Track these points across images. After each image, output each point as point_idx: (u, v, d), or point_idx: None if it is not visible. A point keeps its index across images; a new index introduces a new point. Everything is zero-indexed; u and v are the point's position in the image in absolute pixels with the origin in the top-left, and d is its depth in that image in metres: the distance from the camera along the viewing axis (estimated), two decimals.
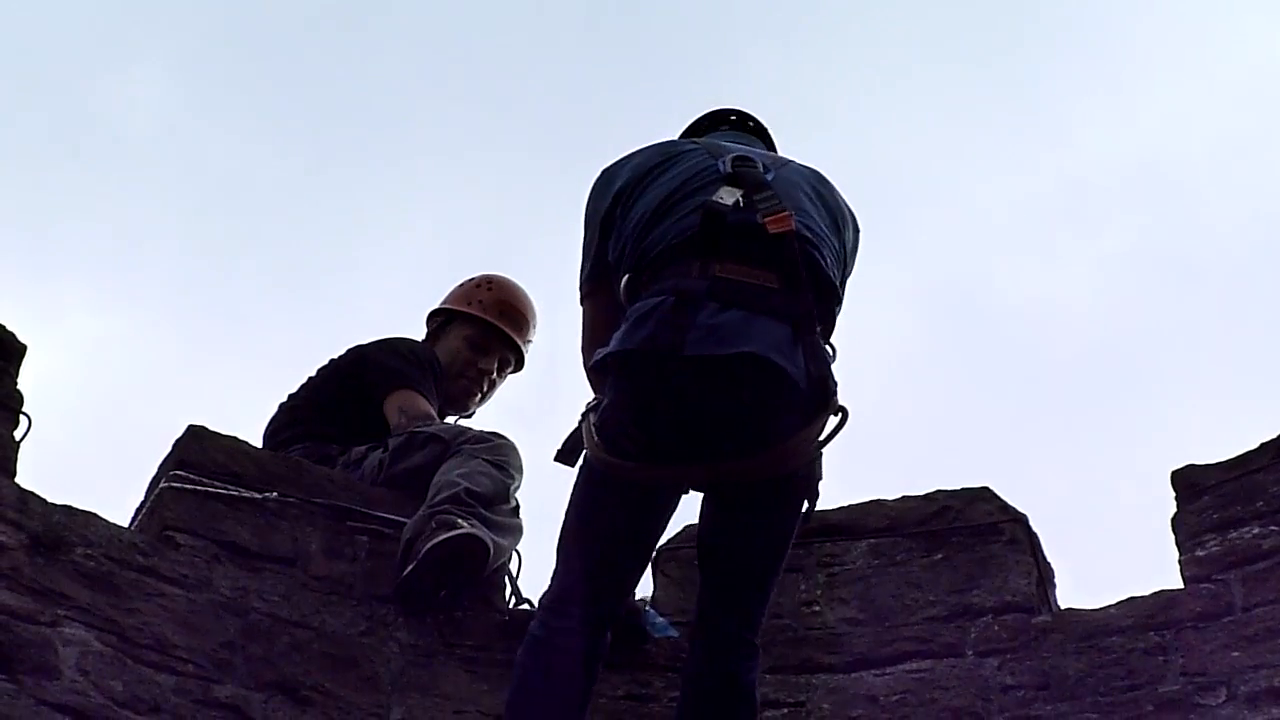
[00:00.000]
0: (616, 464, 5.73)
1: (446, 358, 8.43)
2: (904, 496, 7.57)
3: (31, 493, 6.50)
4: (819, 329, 5.76)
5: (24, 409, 6.77)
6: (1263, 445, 7.10)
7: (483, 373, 8.54)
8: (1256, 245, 22.85)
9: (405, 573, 6.95)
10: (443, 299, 8.67)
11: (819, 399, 5.67)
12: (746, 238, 5.74)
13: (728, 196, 5.85)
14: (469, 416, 8.70)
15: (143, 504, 7.02)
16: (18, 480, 6.51)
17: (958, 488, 7.55)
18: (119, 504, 6.88)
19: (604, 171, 6.41)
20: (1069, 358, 22.24)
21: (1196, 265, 22.88)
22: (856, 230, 6.40)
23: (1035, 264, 22.78)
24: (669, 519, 6.06)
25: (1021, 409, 21.85)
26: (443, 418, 8.30)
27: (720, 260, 5.72)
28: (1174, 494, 7.25)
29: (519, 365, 8.71)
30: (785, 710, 6.89)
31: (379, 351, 8.27)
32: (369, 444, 7.77)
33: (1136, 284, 22.74)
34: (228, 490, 6.96)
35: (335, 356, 8.39)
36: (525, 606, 7.35)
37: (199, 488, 6.88)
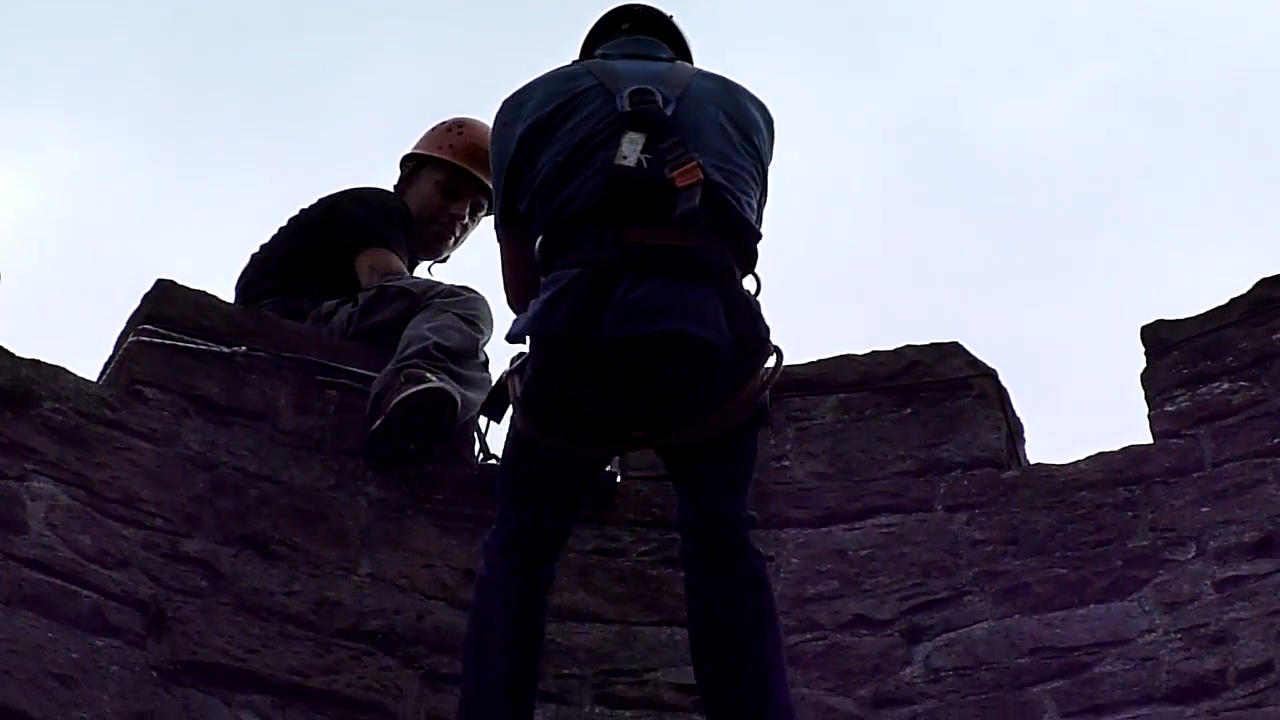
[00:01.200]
0: (543, 439, 5.76)
1: (418, 204, 8.44)
2: (873, 351, 7.58)
3: (1, 347, 6.52)
4: (743, 277, 5.72)
5: None
6: (1233, 301, 7.09)
7: (454, 218, 8.55)
8: (1234, 83, 22.85)
9: (374, 427, 6.98)
10: (414, 144, 8.67)
11: (751, 352, 5.68)
12: (657, 195, 5.62)
13: (630, 151, 5.72)
14: (443, 261, 8.73)
15: (111, 358, 7.01)
16: None
17: (927, 343, 7.56)
18: (89, 357, 6.87)
19: (502, 107, 6.32)
20: (1042, 201, 22.21)
21: (1174, 104, 22.83)
22: (771, 129, 6.29)
23: (1011, 101, 22.73)
24: (597, 475, 6.14)
25: (992, 256, 21.87)
26: (415, 265, 8.33)
27: (632, 224, 5.63)
28: (1144, 349, 7.27)
29: (491, 209, 8.45)
30: None
31: (350, 204, 8.27)
32: (339, 298, 7.77)
33: (1112, 122, 22.66)
34: (197, 344, 6.96)
35: (306, 206, 8.38)
36: (494, 461, 7.35)
37: (168, 342, 6.89)
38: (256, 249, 8.27)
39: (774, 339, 5.78)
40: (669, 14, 6.54)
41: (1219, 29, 22.07)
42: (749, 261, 5.76)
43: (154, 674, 6.12)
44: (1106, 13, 22.42)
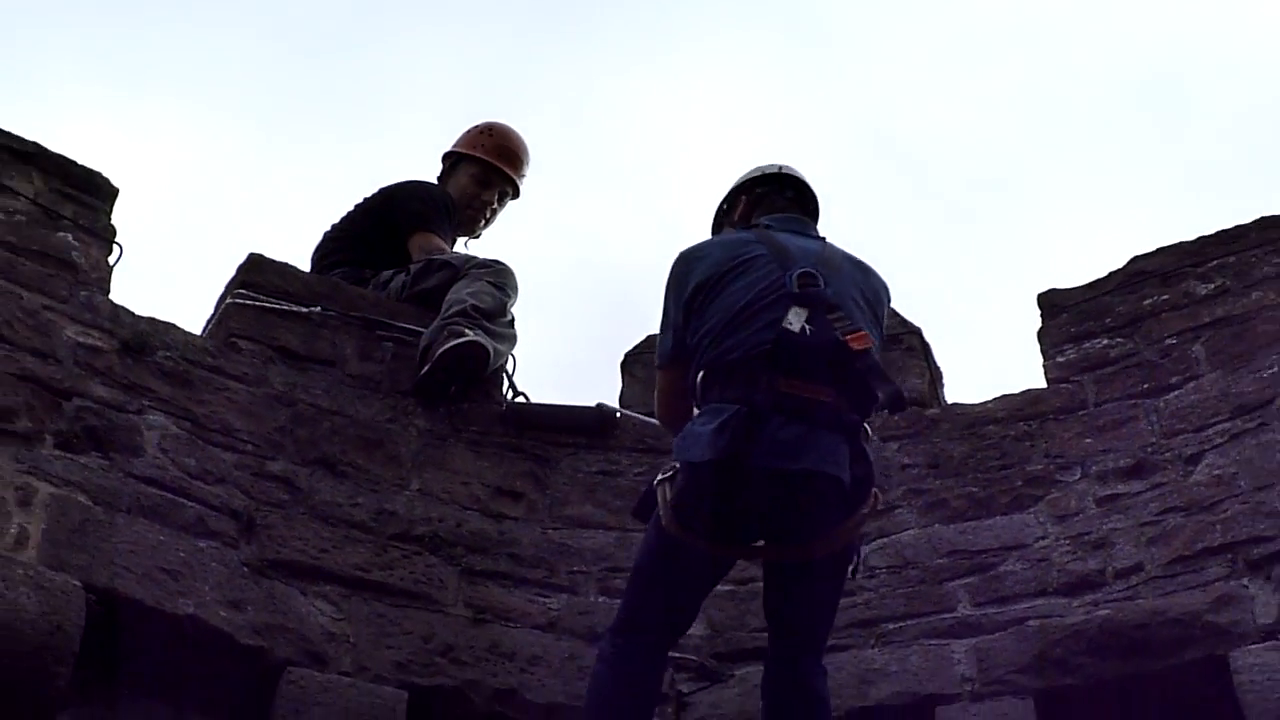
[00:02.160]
0: (686, 537, 5.52)
1: (457, 192, 8.34)
2: None
3: (122, 307, 6.45)
4: (864, 432, 5.60)
5: (116, 239, 6.67)
6: (1111, 273, 6.97)
7: (486, 204, 8.47)
8: (1116, 86, 22.83)
9: (423, 372, 6.94)
10: (453, 143, 8.58)
11: (860, 491, 5.52)
12: (811, 358, 5.52)
13: (795, 320, 5.61)
14: (476, 238, 8.64)
15: (212, 316, 6.95)
16: (111, 297, 6.46)
17: None
18: (194, 315, 6.80)
19: (681, 258, 6.15)
20: (960, 186, 22.21)
21: (1065, 104, 22.83)
22: (889, 299, 6.19)
23: (935, 101, 22.67)
24: (720, 578, 5.92)
25: (919, 232, 21.80)
26: (455, 241, 8.26)
27: (785, 376, 5.49)
28: (1040, 312, 7.07)
29: (515, 195, 8.61)
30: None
31: (404, 195, 8.20)
32: (395, 269, 7.66)
33: (1016, 120, 22.69)
34: (280, 305, 6.91)
35: (368, 195, 8.31)
36: (521, 399, 7.35)
37: (257, 303, 6.83)
38: (328, 228, 8.20)
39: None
40: (817, 191, 6.44)
41: (1105, 40, 22.03)
42: (867, 417, 5.67)
43: (245, 569, 6.10)
44: (1008, 28, 22.43)
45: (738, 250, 5.88)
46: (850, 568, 5.65)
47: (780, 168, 6.45)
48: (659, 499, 5.55)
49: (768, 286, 5.66)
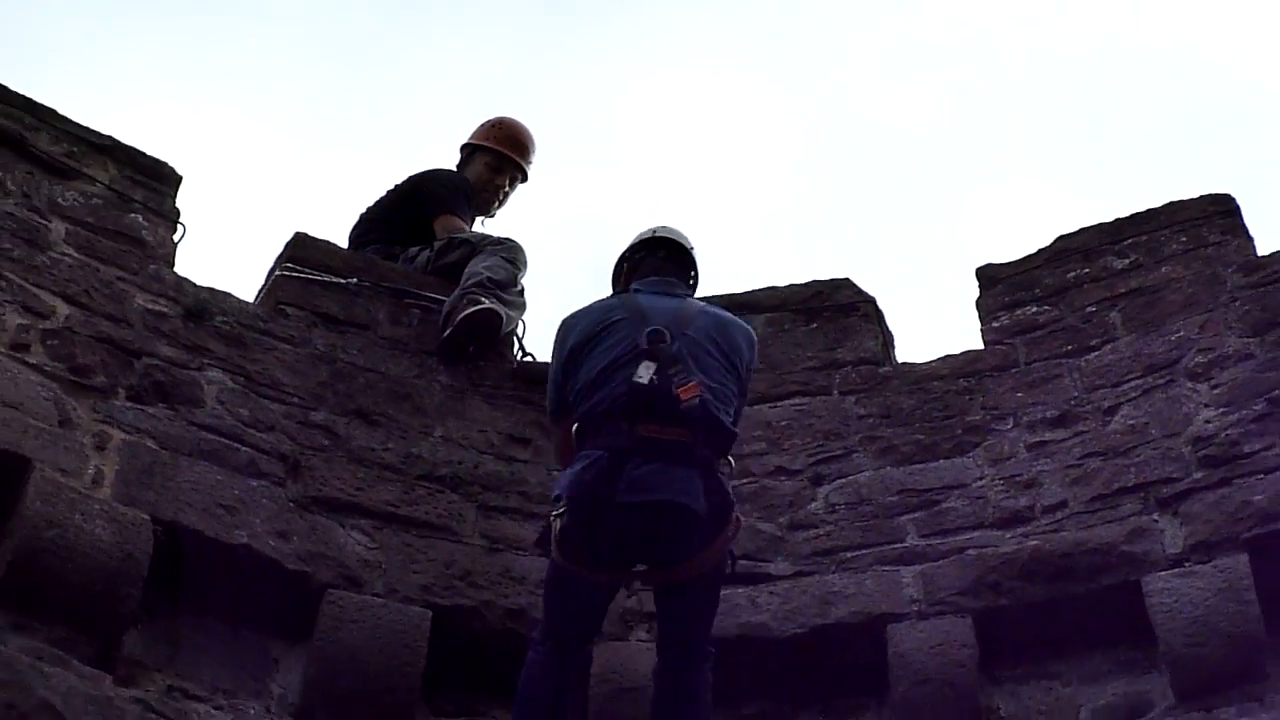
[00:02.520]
0: (572, 567, 5.62)
1: (473, 178, 8.29)
2: (790, 284, 7.44)
3: (185, 278, 6.47)
4: (719, 464, 5.66)
5: (179, 220, 6.69)
6: (1039, 250, 6.96)
7: (499, 188, 8.39)
8: (1046, 81, 22.79)
9: (445, 334, 6.95)
10: (469, 136, 8.54)
11: (721, 518, 5.60)
12: (663, 403, 5.60)
13: (645, 373, 5.70)
14: (491, 217, 8.49)
15: (263, 286, 6.91)
16: (175, 269, 6.49)
17: (827, 278, 7.38)
18: (247, 285, 6.81)
19: (560, 326, 6.26)
20: (910, 170, 22.15)
21: (1002, 97, 22.75)
22: (751, 348, 6.20)
23: (888, 93, 22.61)
24: (614, 595, 5.95)
25: (874, 212, 21.81)
26: (473, 221, 8.26)
27: (643, 422, 5.59)
28: (978, 283, 7.05)
29: (524, 179, 8.55)
30: None
31: (428, 181, 8.16)
32: (420, 246, 7.61)
33: (958, 111, 22.61)
34: (322, 277, 6.85)
35: (399, 182, 8.28)
36: (529, 359, 7.37)
37: (303, 275, 6.82)
38: (364, 210, 8.09)
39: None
40: (690, 247, 6.41)
41: (1036, 41, 22.03)
42: (724, 451, 5.73)
43: (291, 505, 6.11)
44: (952, 29, 22.37)
45: (601, 317, 5.99)
46: (727, 572, 5.73)
47: (655, 231, 6.50)
48: (551, 534, 5.69)
49: (625, 347, 5.79)
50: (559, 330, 6.17)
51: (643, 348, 5.69)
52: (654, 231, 6.45)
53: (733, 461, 5.83)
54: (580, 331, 5.98)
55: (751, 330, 6.17)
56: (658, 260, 6.22)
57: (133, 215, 6.54)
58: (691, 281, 6.32)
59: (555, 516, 5.67)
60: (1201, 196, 6.92)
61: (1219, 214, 6.83)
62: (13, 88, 6.55)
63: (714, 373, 5.77)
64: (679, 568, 5.56)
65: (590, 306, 6.24)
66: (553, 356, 6.11)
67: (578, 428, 5.73)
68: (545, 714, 5.69)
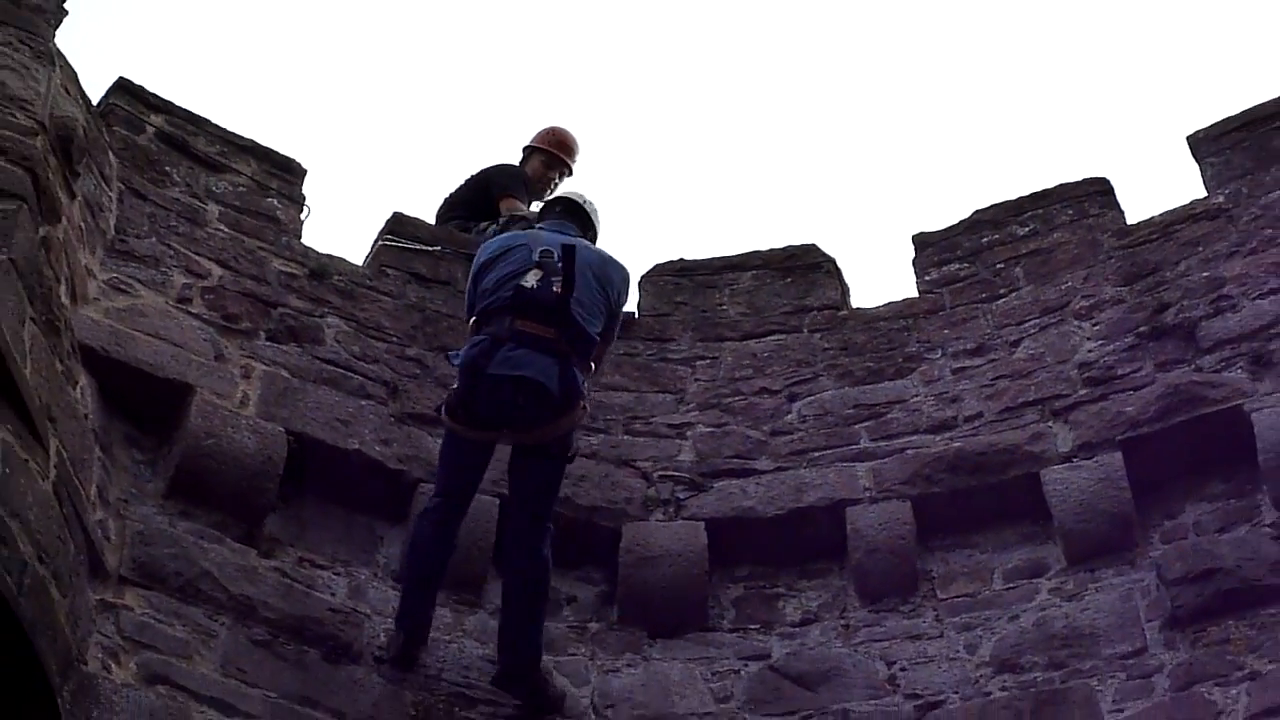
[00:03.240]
0: (453, 426, 5.47)
1: (530, 172, 8.08)
2: (770, 249, 7.20)
3: (310, 247, 6.33)
4: (576, 361, 5.55)
5: (305, 203, 6.54)
6: (960, 220, 6.84)
7: (549, 179, 8.13)
8: (966, 73, 22.27)
9: None
10: (531, 139, 8.34)
11: (570, 402, 5.45)
12: (540, 306, 5.47)
13: (531, 279, 5.57)
14: (542, 201, 8.21)
15: (369, 253, 6.66)
16: (303, 240, 6.37)
17: (799, 244, 7.18)
18: (358, 252, 6.64)
19: (481, 249, 6.15)
20: (860, 155, 21.78)
21: (930, 82, 22.27)
22: (624, 283, 6.09)
23: (832, 85, 22.21)
24: (489, 457, 5.72)
25: (833, 189, 21.54)
26: (529, 203, 8.05)
27: (521, 318, 5.44)
28: (914, 246, 6.89)
29: (570, 173, 8.33)
30: (706, 361, 6.65)
31: (496, 173, 7.98)
32: (489, 221, 7.45)
33: (887, 94, 22.15)
34: (414, 246, 6.68)
35: (473, 174, 8.09)
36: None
37: (400, 244, 6.68)
38: (447, 195, 7.96)
39: (587, 396, 5.66)
40: (583, 202, 6.38)
41: (965, 36, 21.48)
42: (584, 353, 5.61)
43: (391, 419, 5.98)
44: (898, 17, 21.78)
45: (507, 241, 5.91)
46: (569, 454, 5.60)
47: (562, 196, 6.52)
48: (445, 404, 5.61)
49: (520, 262, 5.68)
50: (479, 251, 6.12)
51: (534, 260, 5.59)
52: (561, 196, 6.49)
53: (593, 366, 5.74)
54: (489, 251, 5.89)
55: (627, 270, 6.10)
56: (556, 213, 6.15)
57: (269, 200, 6.41)
58: (591, 235, 6.22)
59: (451, 390, 5.61)
60: (1084, 180, 6.79)
61: (1098, 192, 6.66)
62: (177, 103, 6.39)
63: (587, 292, 5.65)
64: (534, 432, 5.44)
65: (501, 235, 6.25)
66: (472, 269, 6.06)
67: (475, 320, 5.62)
68: (431, 557, 5.55)
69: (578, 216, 6.11)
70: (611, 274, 5.84)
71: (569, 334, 5.44)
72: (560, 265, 5.46)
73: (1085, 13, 21.00)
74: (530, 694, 5.38)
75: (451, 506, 5.46)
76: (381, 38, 21.70)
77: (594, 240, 6.06)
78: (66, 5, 5.48)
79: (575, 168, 8.18)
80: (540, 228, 6.02)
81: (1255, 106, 6.49)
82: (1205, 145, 6.65)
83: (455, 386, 5.50)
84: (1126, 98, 20.88)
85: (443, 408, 5.52)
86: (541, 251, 5.61)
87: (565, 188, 7.88)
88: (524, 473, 5.50)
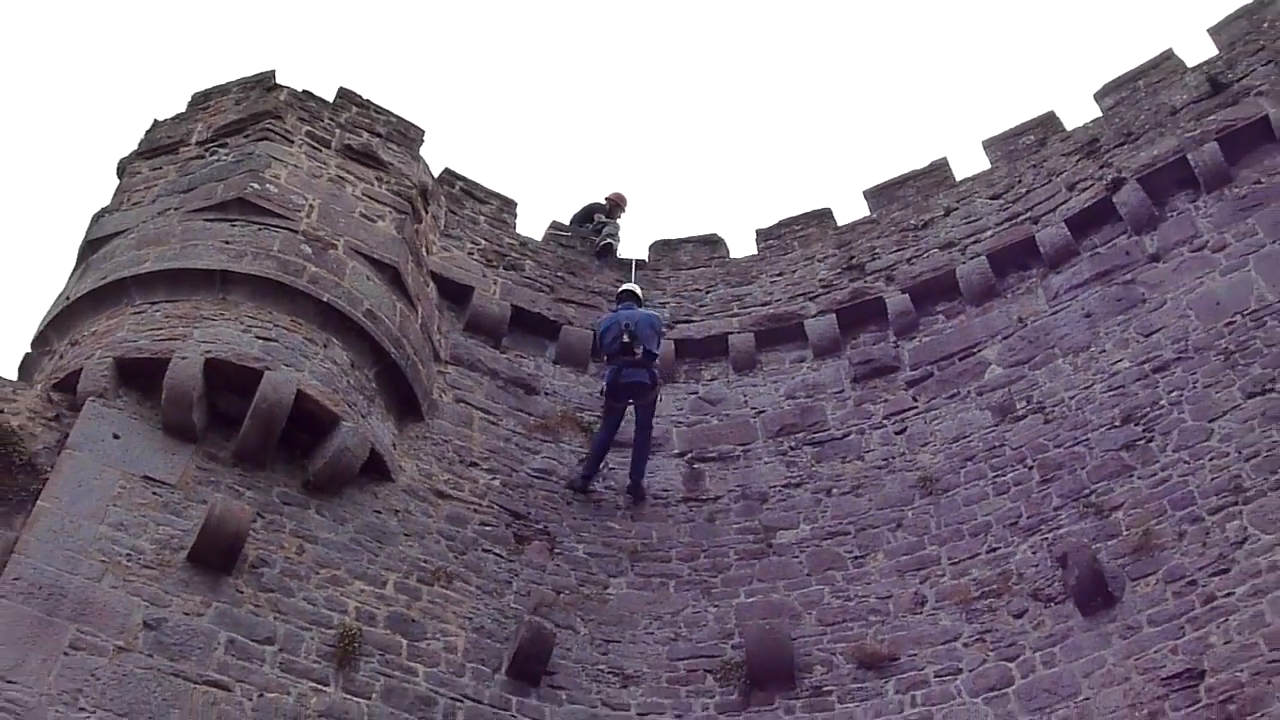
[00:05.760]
0: (609, 403, 9.52)
1: (607, 201, 12.27)
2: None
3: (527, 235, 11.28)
4: (652, 366, 9.42)
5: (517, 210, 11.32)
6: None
7: (613, 217, 12.24)
8: (834, 64, 24.97)
9: (596, 250, 11.65)
10: (608, 193, 12.49)
11: (655, 386, 9.47)
12: (630, 349, 9.29)
13: (625, 337, 9.37)
14: (614, 219, 12.43)
15: (544, 234, 11.79)
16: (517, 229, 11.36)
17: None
18: (537, 232, 11.83)
19: (604, 321, 9.89)
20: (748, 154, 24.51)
21: (812, 72, 24.91)
22: (660, 321, 9.77)
23: (734, 76, 24.59)
24: (624, 414, 9.69)
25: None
26: (608, 215, 12.27)
27: (624, 356, 9.33)
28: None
29: (624, 210, 12.37)
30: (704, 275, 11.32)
31: (595, 206, 12.28)
32: (594, 224, 12.13)
33: (786, 78, 25.27)
34: (565, 231, 11.58)
35: (587, 204, 12.47)
36: (616, 256, 11.88)
37: (558, 232, 11.71)
38: (574, 213, 12.37)
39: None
40: (636, 291, 10.14)
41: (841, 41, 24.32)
42: (654, 362, 9.51)
43: (553, 300, 10.83)
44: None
45: (612, 318, 9.74)
46: (656, 405, 9.51)
47: (622, 287, 10.20)
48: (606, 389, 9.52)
49: (617, 330, 9.49)
50: (602, 321, 9.86)
51: (625, 337, 9.40)
52: (622, 288, 10.22)
53: (660, 366, 9.41)
54: (604, 325, 9.67)
55: (659, 317, 9.70)
56: (624, 297, 10.04)
57: (505, 217, 11.53)
58: (642, 303, 9.98)
59: (602, 387, 9.62)
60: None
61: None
62: (470, 175, 11.50)
63: (646, 334, 9.41)
64: (643, 399, 9.41)
65: (607, 316, 9.95)
66: (598, 330, 9.95)
67: (606, 359, 9.55)
68: (603, 444, 9.49)
69: (635, 298, 9.77)
70: (655, 321, 9.32)
71: (646, 357, 8.97)
72: (629, 326, 9.02)
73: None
74: (637, 491, 9.54)
75: (610, 428, 9.32)
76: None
77: (642, 303, 9.83)
78: (425, 132, 10.99)
79: (625, 210, 12.49)
80: (620, 308, 9.60)
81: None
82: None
83: (605, 388, 9.29)
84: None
85: (603, 393, 9.25)
86: (626, 328, 9.12)
87: (621, 218, 12.31)
88: (642, 412, 9.28)
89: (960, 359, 10.00)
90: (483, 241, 11.26)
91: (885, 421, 9.83)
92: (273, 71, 10.82)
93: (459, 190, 11.53)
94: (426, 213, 10.63)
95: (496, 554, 9.13)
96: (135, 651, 7.50)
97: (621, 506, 9.62)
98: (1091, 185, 10.16)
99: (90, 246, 9.83)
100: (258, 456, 8.71)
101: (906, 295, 10.49)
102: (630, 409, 9.65)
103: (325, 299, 9.27)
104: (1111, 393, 9.16)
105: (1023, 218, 10.46)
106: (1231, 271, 9.36)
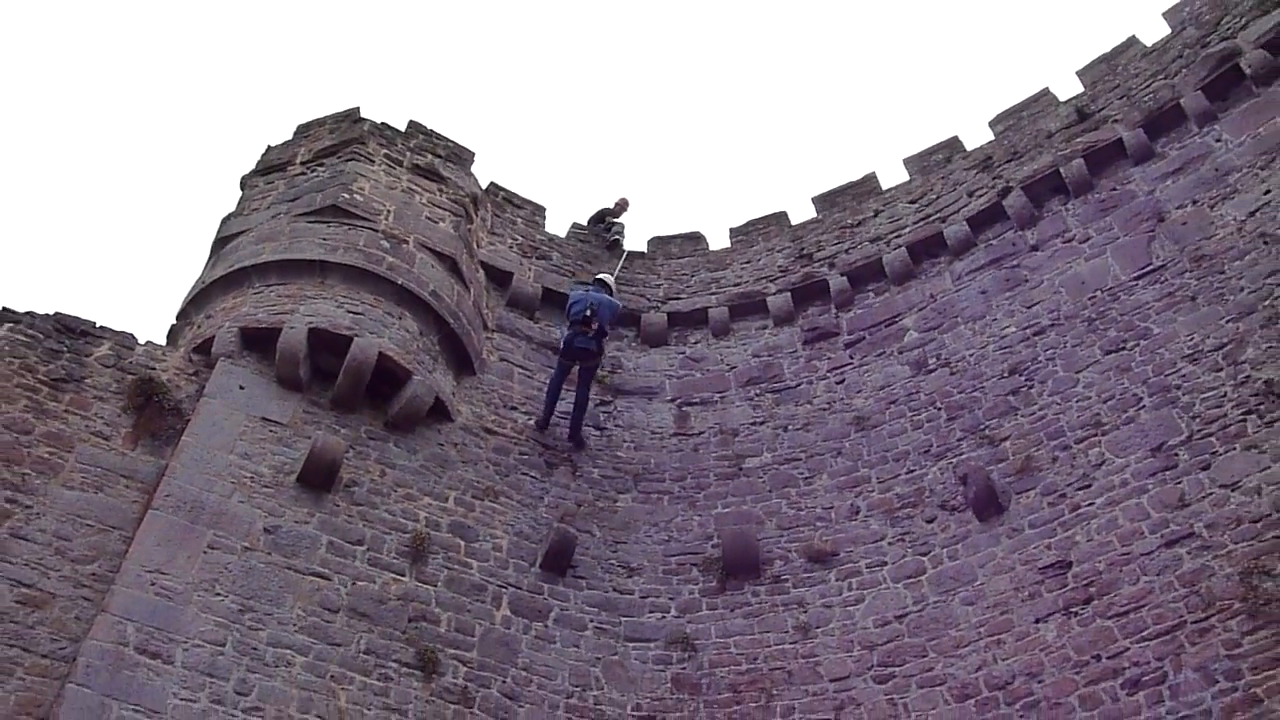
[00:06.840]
0: (561, 360, 8.78)
1: (614, 205, 11.70)
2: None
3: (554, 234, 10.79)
4: (601, 337, 8.70)
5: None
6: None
7: (619, 213, 11.73)
8: (791, 59, 22.96)
9: (608, 243, 11.15)
10: (613, 201, 11.93)
11: (600, 354, 8.75)
12: (588, 321, 8.57)
13: (587, 311, 8.62)
14: (618, 218, 11.80)
15: (567, 232, 11.21)
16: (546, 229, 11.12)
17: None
18: (562, 228, 11.48)
19: (572, 292, 9.04)
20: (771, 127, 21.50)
21: (772, 64, 22.63)
22: (617, 307, 8.94)
23: (701, 70, 21.98)
24: (573, 368, 8.81)
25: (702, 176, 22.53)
26: (617, 216, 11.78)
27: (582, 325, 8.59)
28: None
29: (625, 212, 11.78)
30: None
31: (605, 211, 11.68)
32: (606, 224, 11.49)
33: (749, 77, 23.10)
34: (585, 230, 11.23)
35: (601, 208, 11.83)
36: (624, 249, 11.33)
37: (579, 230, 11.33)
38: (592, 213, 11.77)
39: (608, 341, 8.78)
40: (608, 280, 9.26)
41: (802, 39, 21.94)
42: (603, 334, 8.77)
43: (572, 281, 10.40)
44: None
45: (581, 296, 8.99)
46: (601, 370, 8.87)
47: (596, 274, 9.63)
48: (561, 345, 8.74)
49: (582, 304, 8.83)
50: (571, 292, 9.03)
51: (588, 303, 8.73)
52: (595, 274, 9.70)
53: (606, 346, 8.61)
54: (573, 298, 8.98)
55: (619, 304, 8.94)
56: (595, 282, 9.38)
57: (537, 219, 11.15)
58: (609, 289, 9.13)
59: (561, 339, 8.74)
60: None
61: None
62: (510, 187, 11.16)
63: (605, 317, 8.82)
64: (588, 362, 8.78)
65: (576, 289, 9.13)
66: (569, 301, 9.07)
67: (570, 324, 8.80)
68: (555, 387, 8.77)
69: (604, 285, 9.08)
70: (616, 308, 8.75)
71: (598, 333, 8.44)
72: (594, 305, 8.41)
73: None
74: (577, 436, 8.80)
75: (558, 378, 8.71)
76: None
77: (610, 291, 9.05)
78: (475, 153, 10.95)
79: (628, 210, 11.92)
80: (589, 287, 8.98)
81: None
82: None
83: (561, 347, 8.54)
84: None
85: (559, 352, 8.52)
86: (591, 303, 8.48)
87: (623, 216, 11.73)
88: (585, 373, 8.69)
89: (886, 326, 10.02)
90: (520, 238, 11.14)
91: (828, 374, 9.86)
92: (358, 108, 10.85)
93: (501, 199, 11.40)
94: (477, 216, 10.60)
95: (532, 476, 9.15)
96: (257, 550, 7.65)
97: (628, 441, 9.59)
98: (986, 193, 10.20)
99: (220, 243, 9.91)
100: (349, 402, 8.77)
101: (845, 277, 10.47)
102: (576, 369, 9.45)
103: (400, 282, 9.27)
104: (1001, 351, 9.21)
105: (934, 218, 10.45)
106: (1093, 258, 9.38)
